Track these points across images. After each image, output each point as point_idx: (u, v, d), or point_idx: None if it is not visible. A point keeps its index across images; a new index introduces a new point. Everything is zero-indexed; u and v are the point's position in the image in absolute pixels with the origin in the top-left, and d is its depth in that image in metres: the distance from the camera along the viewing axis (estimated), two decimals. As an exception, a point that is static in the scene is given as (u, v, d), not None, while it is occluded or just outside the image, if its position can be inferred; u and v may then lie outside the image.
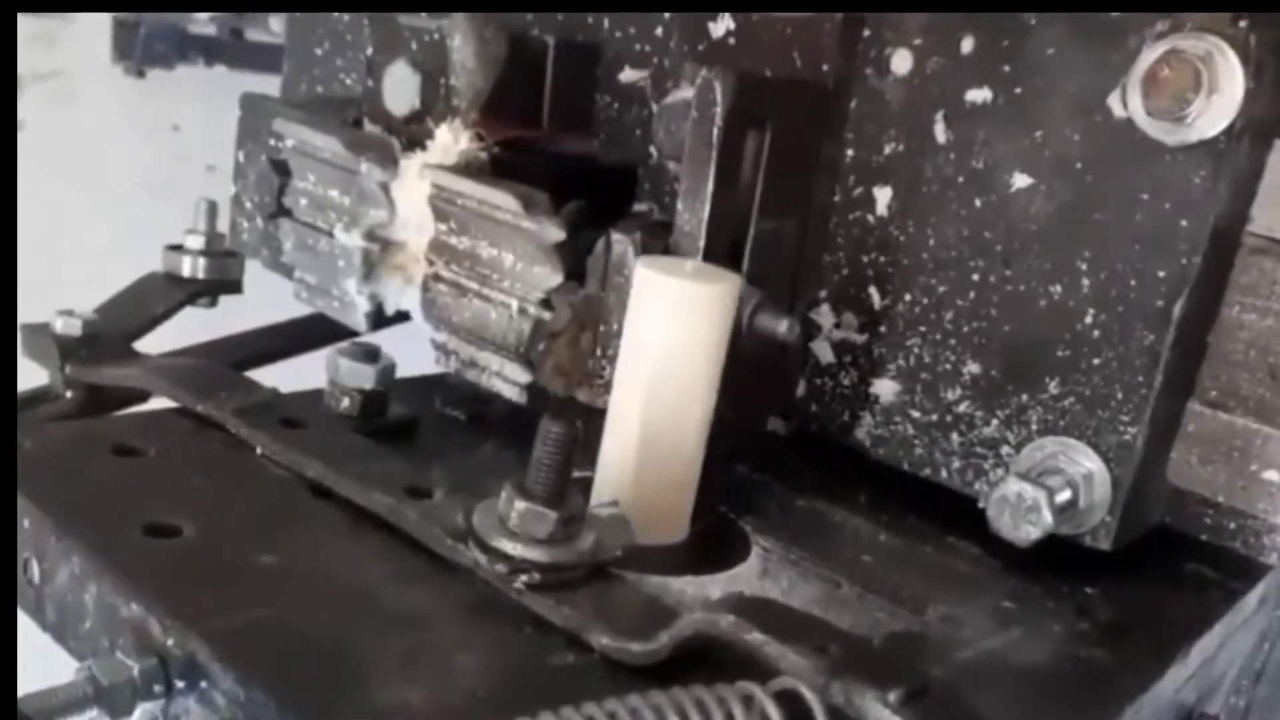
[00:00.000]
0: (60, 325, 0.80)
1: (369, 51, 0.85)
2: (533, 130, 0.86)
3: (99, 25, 1.65)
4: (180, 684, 0.52)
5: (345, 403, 0.76)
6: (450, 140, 0.81)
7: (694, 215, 0.71)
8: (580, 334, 0.75)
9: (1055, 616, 0.69)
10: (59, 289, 0.91)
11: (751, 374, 0.71)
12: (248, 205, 0.96)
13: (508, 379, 0.78)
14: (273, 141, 0.93)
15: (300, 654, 0.52)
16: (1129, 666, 0.65)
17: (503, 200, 0.75)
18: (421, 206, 0.81)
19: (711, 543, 0.71)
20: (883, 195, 0.77)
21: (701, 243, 0.70)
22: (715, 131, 0.69)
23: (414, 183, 0.81)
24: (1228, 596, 0.75)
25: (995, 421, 0.74)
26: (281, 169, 0.90)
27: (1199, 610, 0.72)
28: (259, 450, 0.70)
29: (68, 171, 1.76)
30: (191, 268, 0.90)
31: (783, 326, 0.70)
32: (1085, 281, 0.70)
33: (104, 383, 0.79)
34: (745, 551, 0.71)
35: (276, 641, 0.53)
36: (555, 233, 0.74)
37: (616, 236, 0.73)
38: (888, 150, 0.77)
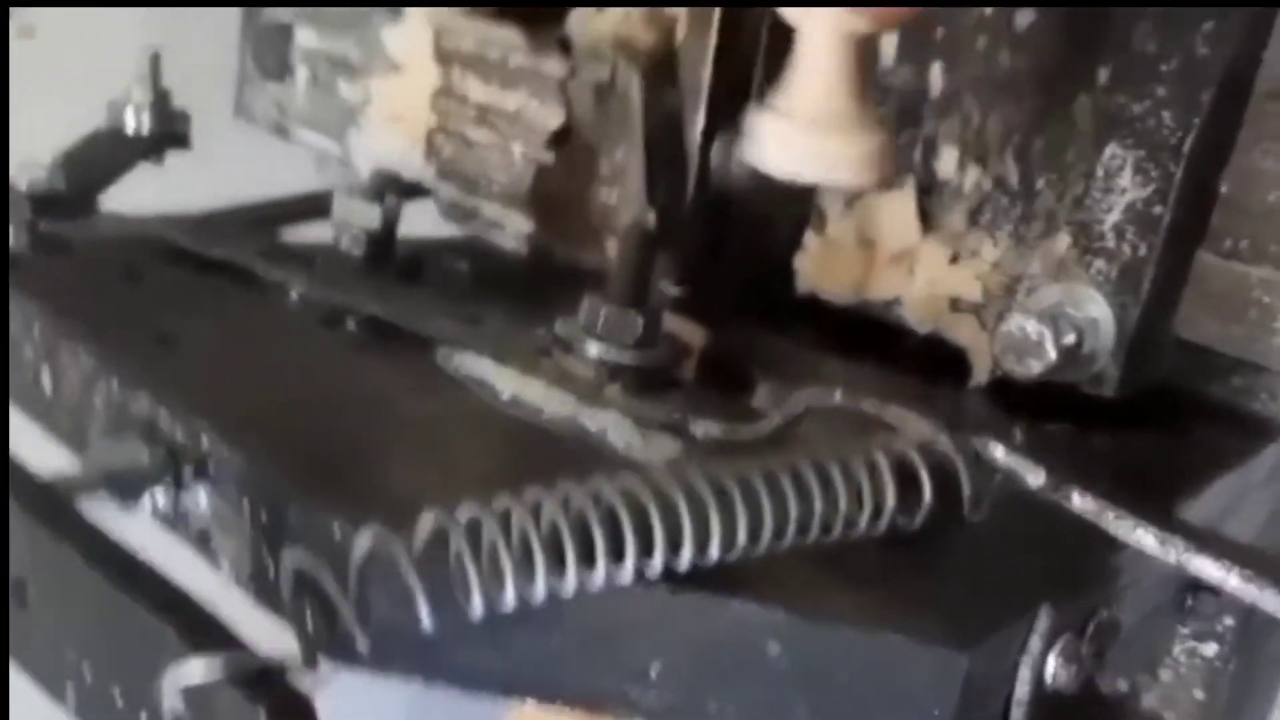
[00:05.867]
0: (27, 181, 0.72)
1: None
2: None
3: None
4: (189, 470, 0.51)
5: (352, 243, 0.75)
6: None
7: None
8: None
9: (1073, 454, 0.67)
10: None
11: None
12: (253, 71, 0.93)
13: (506, 229, 0.78)
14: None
15: (312, 440, 0.52)
16: (1141, 496, 0.63)
17: (506, 37, 0.74)
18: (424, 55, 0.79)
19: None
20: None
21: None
22: None
23: (418, 28, 0.79)
24: (1242, 451, 0.73)
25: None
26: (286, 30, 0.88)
27: (1214, 458, 0.70)
28: (293, 293, 0.68)
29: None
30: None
31: None
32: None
33: (98, 236, 0.76)
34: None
35: (288, 428, 0.52)
36: (556, 67, 0.73)
37: None
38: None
